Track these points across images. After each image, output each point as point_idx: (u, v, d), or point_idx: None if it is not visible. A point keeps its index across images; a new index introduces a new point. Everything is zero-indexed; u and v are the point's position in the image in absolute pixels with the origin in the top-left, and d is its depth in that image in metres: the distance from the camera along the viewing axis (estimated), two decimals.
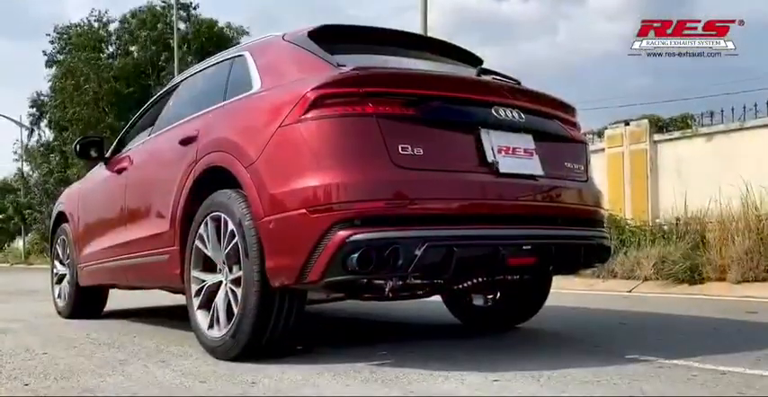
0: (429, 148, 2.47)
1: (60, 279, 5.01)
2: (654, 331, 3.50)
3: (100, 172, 4.60)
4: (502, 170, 2.62)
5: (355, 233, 2.29)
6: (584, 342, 3.12)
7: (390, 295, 2.64)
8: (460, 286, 2.87)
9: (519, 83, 3.19)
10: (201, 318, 2.88)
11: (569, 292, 6.33)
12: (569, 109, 3.17)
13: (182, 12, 24.44)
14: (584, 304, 5.15)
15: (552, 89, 3.15)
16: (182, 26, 24.07)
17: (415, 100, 2.53)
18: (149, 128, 4.08)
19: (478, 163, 2.61)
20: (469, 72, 3.23)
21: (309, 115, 2.45)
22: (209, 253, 2.89)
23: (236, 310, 2.63)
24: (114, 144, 4.59)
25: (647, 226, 8.00)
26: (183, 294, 3.11)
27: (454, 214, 2.50)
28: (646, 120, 10.43)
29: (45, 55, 25.22)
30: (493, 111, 2.69)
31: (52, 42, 25.03)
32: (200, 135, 3.09)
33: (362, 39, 3.23)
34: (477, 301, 3.48)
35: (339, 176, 2.36)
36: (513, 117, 2.73)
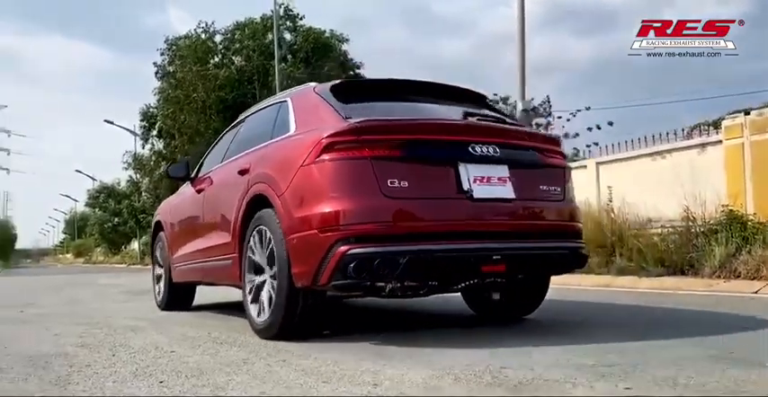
0: (412, 181, 3.06)
1: (159, 279, 5.87)
2: None
3: (186, 189, 5.37)
4: (476, 196, 3.14)
5: (352, 249, 2.91)
6: (716, 348, 2.92)
7: (399, 294, 3.21)
8: (457, 287, 3.40)
9: (505, 121, 3.73)
10: (253, 309, 3.64)
11: (688, 293, 5.99)
12: (550, 140, 3.78)
13: (289, 22, 24.98)
14: (707, 306, 4.84)
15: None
16: (288, 36, 24.63)
17: (402, 143, 3.10)
18: (224, 154, 4.76)
19: (456, 191, 3.14)
20: (463, 111, 3.61)
21: (321, 158, 3.10)
22: (256, 259, 3.62)
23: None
24: (197, 166, 5.33)
25: None
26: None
27: (432, 232, 3.06)
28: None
29: (155, 66, 26.46)
30: (470, 149, 3.21)
31: (162, 54, 26.30)
32: (251, 168, 3.80)
33: (377, 89, 3.94)
34: (495, 296, 3.96)
35: (341, 205, 2.99)
36: (489, 152, 3.24)
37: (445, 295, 4.01)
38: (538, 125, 16.18)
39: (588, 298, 5.69)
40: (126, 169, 36.21)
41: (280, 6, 24.20)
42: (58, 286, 11.25)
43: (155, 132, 27.64)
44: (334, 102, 3.46)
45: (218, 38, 25.81)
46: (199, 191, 4.89)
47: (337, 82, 3.77)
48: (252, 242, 3.63)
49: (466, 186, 3.14)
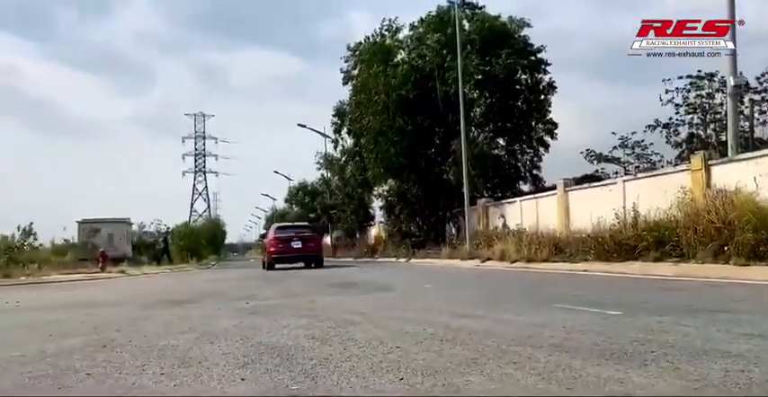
0: (284, 244, 20.40)
1: (261, 258, 24.53)
2: None
3: (264, 238, 25.15)
4: (294, 247, 20.34)
5: (273, 256, 20.43)
6: None
7: (289, 265, 20.72)
8: (295, 264, 21.09)
9: (306, 230, 22.27)
10: (266, 265, 21.33)
11: None
12: (315, 235, 22.32)
13: (468, 11, 24.39)
14: None
15: None
16: (467, 25, 23.86)
17: (282, 238, 20.64)
18: (269, 232, 23.54)
19: (291, 246, 20.29)
20: (297, 229, 22.07)
21: (270, 241, 21.02)
22: (265, 257, 22.13)
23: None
24: (266, 232, 27.76)
25: None
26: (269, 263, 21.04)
27: (286, 254, 20.31)
28: None
29: (342, 72, 27.67)
30: (294, 238, 20.46)
31: (346, 60, 27.33)
32: (268, 237, 22.34)
33: (286, 226, 23.10)
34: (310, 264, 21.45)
35: (272, 249, 20.62)
36: (296, 239, 20.44)
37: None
38: (753, 101, 14.51)
39: None
40: (319, 169, 38.67)
41: None
42: (270, 279, 12.29)
43: (344, 130, 29.09)
44: (276, 230, 21.72)
45: (401, 35, 25.87)
46: (265, 241, 23.64)
47: (279, 224, 24.23)
48: (263, 253, 22.66)
49: (293, 245, 20.01)
